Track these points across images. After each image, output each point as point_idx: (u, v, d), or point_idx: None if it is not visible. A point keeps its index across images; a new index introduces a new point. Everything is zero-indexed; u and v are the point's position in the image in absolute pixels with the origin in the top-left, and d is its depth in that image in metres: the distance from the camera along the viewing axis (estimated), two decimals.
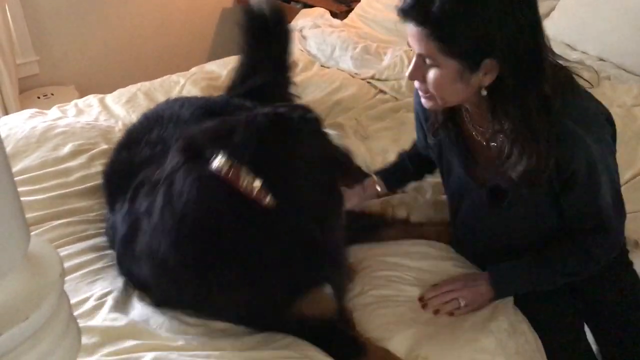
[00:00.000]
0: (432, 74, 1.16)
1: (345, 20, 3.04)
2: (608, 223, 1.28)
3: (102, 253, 1.46)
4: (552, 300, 1.39)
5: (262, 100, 1.72)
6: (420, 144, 1.55)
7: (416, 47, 1.16)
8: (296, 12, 3.13)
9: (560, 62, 1.24)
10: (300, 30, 2.87)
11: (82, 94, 2.70)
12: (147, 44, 3.44)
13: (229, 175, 1.10)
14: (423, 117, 1.44)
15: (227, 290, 1.19)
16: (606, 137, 1.23)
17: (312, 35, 2.78)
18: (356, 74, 2.48)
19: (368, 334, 1.26)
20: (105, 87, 2.58)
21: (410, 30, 1.15)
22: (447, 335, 1.26)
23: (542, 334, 1.35)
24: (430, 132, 1.40)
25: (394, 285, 1.38)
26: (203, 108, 1.70)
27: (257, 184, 1.10)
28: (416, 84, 1.23)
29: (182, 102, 1.77)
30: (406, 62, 2.41)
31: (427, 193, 1.71)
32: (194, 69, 2.48)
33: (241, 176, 1.10)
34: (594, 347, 1.43)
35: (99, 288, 1.34)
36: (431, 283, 1.38)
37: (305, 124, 1.21)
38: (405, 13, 1.13)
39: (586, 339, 1.40)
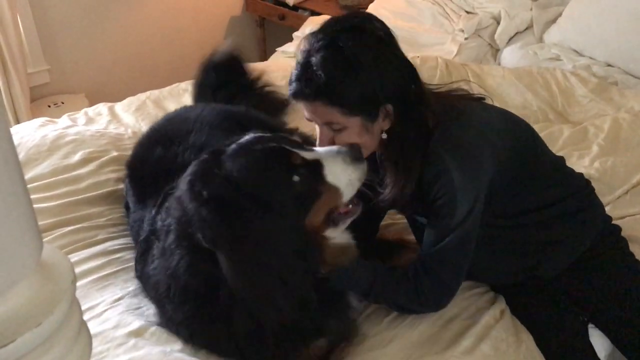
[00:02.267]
0: (343, 135, 1.22)
1: None
2: (442, 266, 1.25)
3: (112, 257, 1.48)
4: (552, 308, 1.39)
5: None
6: None
7: (319, 120, 1.22)
8: (304, 20, 3.15)
9: (446, 88, 1.34)
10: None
11: (92, 102, 2.72)
12: (156, 52, 3.48)
13: None
14: None
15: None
16: (477, 168, 1.23)
17: None
18: None
19: (367, 340, 1.27)
20: (115, 95, 2.61)
21: (307, 107, 1.21)
22: (446, 343, 1.26)
23: (542, 342, 1.34)
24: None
25: None
26: (225, 114, 1.72)
27: None
28: None
29: (204, 107, 1.79)
30: None
31: None
32: None
33: None
34: (603, 353, 1.42)
35: (109, 294, 1.36)
36: None
37: None
38: (297, 95, 1.20)
39: (590, 346, 1.39)
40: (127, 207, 1.59)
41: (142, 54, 3.42)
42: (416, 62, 2.39)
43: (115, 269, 1.44)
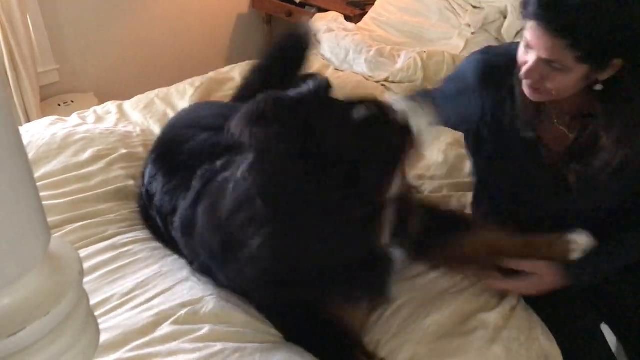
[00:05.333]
0: (558, 76, 1.15)
1: (359, 24, 3.06)
2: None
3: (122, 251, 1.50)
4: (568, 301, 1.38)
5: None
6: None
7: (545, 54, 1.14)
8: (310, 16, 3.15)
9: None
10: (315, 35, 2.89)
11: (101, 100, 2.74)
12: (164, 50, 3.50)
13: None
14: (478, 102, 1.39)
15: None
16: None
17: (326, 39, 2.80)
18: (370, 76, 2.50)
19: (381, 335, 1.27)
20: (123, 93, 2.63)
21: (543, 39, 1.12)
22: (458, 345, 1.25)
23: (559, 335, 1.33)
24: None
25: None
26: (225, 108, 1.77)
27: None
28: (528, 81, 1.22)
29: (210, 104, 1.85)
30: (420, 64, 2.41)
31: None
32: (210, 74, 2.51)
33: None
34: (614, 348, 1.42)
35: (119, 287, 1.37)
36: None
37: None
38: (539, 19, 1.12)
39: (604, 340, 1.39)
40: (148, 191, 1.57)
41: (150, 52, 3.45)
42: (423, 57, 2.41)
43: (125, 262, 1.46)
